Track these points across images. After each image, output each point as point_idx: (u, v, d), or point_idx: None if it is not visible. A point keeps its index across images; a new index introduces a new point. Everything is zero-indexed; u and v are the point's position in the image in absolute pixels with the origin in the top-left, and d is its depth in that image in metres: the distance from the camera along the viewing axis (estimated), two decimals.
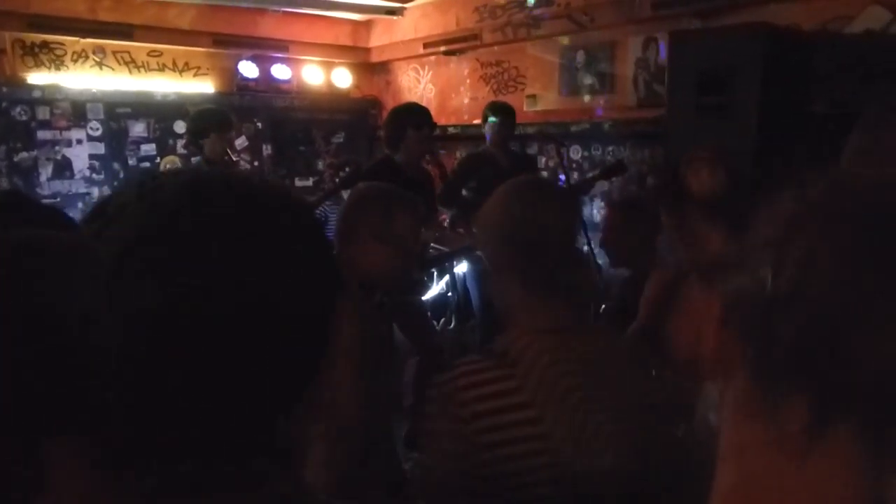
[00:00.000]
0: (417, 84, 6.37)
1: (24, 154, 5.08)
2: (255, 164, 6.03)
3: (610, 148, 4.62)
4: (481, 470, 1.10)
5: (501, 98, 5.31)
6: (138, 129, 5.52)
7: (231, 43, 5.80)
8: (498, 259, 1.28)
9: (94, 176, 5.36)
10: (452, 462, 1.13)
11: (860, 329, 0.46)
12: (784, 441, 0.50)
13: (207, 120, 3.99)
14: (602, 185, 4.64)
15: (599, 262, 4.00)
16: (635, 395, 1.20)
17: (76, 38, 5.25)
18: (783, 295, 0.49)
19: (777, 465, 0.51)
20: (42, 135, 5.14)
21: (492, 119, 4.03)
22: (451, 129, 5.67)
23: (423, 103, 3.88)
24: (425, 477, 1.20)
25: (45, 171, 5.17)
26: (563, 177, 4.29)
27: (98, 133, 5.36)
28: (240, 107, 5.81)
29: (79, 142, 5.29)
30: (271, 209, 0.60)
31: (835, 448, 0.48)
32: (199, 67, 5.89)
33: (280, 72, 6.17)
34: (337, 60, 6.50)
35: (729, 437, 0.54)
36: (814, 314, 0.48)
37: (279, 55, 6.12)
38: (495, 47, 5.46)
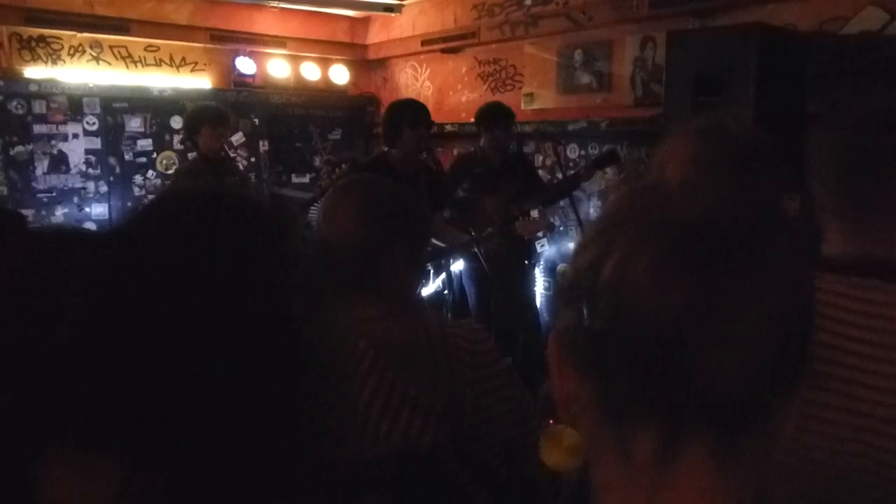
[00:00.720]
0: (415, 81, 6.37)
1: (20, 148, 5.06)
2: (252, 160, 6.02)
3: (607, 147, 4.62)
4: None
5: (499, 96, 5.31)
6: (135, 123, 5.51)
7: (228, 38, 5.79)
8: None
9: (90, 171, 5.35)
10: None
11: (693, 349, 0.45)
12: (639, 471, 0.49)
13: (200, 114, 4.01)
14: (599, 185, 4.66)
15: None
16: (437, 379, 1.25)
17: (73, 33, 5.24)
18: (604, 330, 0.48)
19: (636, 495, 0.50)
20: (38, 129, 5.12)
21: (488, 128, 4.00)
22: (448, 127, 5.67)
23: (421, 101, 3.87)
24: None
25: (41, 165, 5.16)
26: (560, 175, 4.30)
27: (94, 127, 5.34)
28: (236, 102, 5.80)
29: (75, 136, 5.27)
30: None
31: (690, 466, 0.48)
32: (195, 63, 5.88)
33: (277, 68, 6.16)
34: (334, 57, 6.49)
35: (593, 478, 0.53)
36: (645, 342, 0.46)
37: (276, 51, 6.11)
38: (493, 45, 5.46)
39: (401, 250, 1.28)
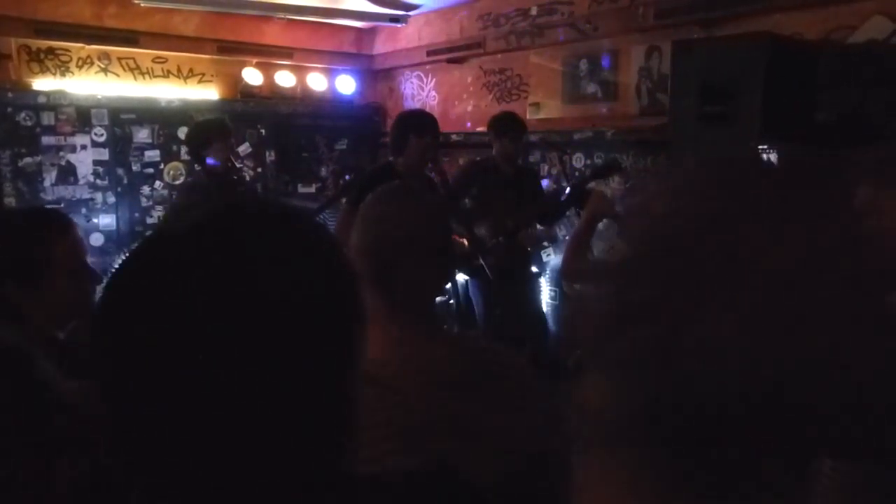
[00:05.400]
0: (421, 91, 6.39)
1: (29, 159, 5.09)
2: (259, 170, 6.04)
3: (613, 156, 4.61)
4: None
5: (504, 105, 5.31)
6: (142, 135, 5.54)
7: (235, 50, 5.83)
8: None
9: (98, 181, 5.38)
10: None
11: (798, 402, 0.44)
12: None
13: (210, 129, 3.97)
14: (604, 192, 4.64)
15: None
16: None
17: (82, 45, 5.28)
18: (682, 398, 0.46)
19: None
20: (47, 140, 5.15)
21: (497, 136, 3.99)
22: (454, 137, 5.68)
23: (427, 110, 3.88)
24: None
25: (50, 177, 5.19)
26: (566, 184, 4.28)
27: (102, 139, 5.37)
28: (243, 113, 5.83)
29: (83, 147, 5.31)
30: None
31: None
32: (203, 74, 5.92)
33: (284, 78, 6.19)
34: (341, 67, 6.52)
35: None
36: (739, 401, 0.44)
37: (283, 62, 6.14)
38: (499, 55, 5.47)
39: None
